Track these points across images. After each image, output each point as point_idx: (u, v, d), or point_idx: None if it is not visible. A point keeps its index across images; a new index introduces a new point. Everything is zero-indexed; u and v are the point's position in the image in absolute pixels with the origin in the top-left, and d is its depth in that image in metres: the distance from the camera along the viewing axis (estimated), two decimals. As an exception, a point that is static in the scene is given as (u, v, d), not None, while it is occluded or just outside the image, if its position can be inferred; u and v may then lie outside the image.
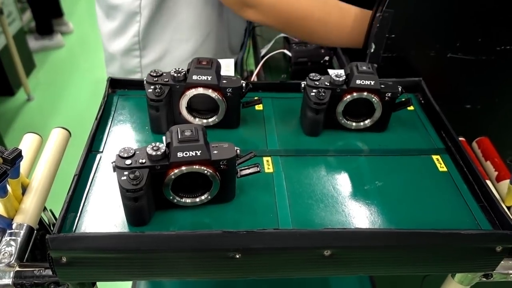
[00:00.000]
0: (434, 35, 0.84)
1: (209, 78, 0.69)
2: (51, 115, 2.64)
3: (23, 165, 0.63)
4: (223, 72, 0.81)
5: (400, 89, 0.74)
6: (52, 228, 0.70)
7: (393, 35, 0.82)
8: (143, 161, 0.53)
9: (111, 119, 0.76)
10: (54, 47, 3.21)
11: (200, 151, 0.55)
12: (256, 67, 1.01)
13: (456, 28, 0.83)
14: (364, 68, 0.72)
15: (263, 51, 1.04)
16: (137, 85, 0.82)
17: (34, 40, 3.13)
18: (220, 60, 0.87)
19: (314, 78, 0.73)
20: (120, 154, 0.54)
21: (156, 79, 0.70)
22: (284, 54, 0.98)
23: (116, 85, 0.83)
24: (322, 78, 0.73)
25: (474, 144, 0.85)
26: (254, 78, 1.01)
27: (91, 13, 3.01)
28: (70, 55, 3.22)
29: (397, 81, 0.88)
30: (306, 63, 0.96)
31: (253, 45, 1.18)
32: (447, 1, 0.80)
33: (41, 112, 2.66)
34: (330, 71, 0.92)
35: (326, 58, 0.95)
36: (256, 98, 0.77)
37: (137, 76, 1.07)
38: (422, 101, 0.86)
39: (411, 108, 0.85)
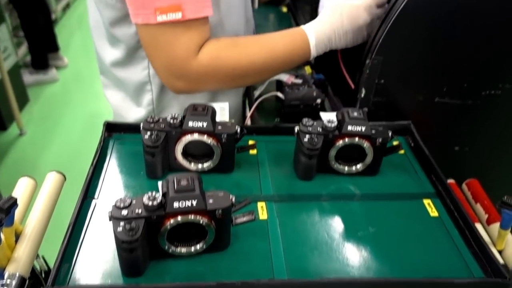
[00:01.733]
0: (422, 81, 0.87)
1: (205, 124, 0.71)
2: (44, 150, 2.63)
3: (17, 211, 0.63)
4: (218, 116, 0.83)
5: (390, 134, 0.76)
6: (43, 276, 0.70)
7: (382, 81, 0.85)
8: (139, 211, 0.54)
9: (106, 164, 0.77)
10: (48, 82, 3.23)
11: (196, 201, 0.56)
12: (250, 109, 1.03)
13: (442, 74, 0.86)
14: (355, 114, 0.74)
15: (256, 93, 1.06)
16: (133, 129, 0.83)
17: (29, 74, 3.16)
18: (214, 104, 0.89)
19: (307, 124, 0.75)
20: (117, 205, 0.54)
21: (152, 125, 0.71)
22: (277, 96, 1.00)
23: (112, 129, 0.84)
24: (315, 123, 0.75)
25: (464, 186, 0.87)
26: (248, 119, 1.03)
27: (86, 47, 3.06)
28: (64, 89, 3.24)
29: (387, 124, 0.90)
30: (299, 106, 0.98)
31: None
32: (433, 48, 0.84)
33: (33, 147, 2.65)
34: (322, 115, 0.94)
35: (318, 101, 0.98)
36: (250, 143, 0.79)
37: None
38: (412, 144, 0.88)
39: (402, 151, 0.87)
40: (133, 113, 0.98)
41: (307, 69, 1.26)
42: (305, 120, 0.76)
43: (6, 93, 2.58)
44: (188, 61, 0.79)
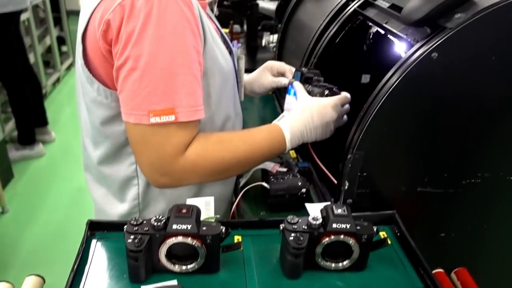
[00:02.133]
0: (403, 172, 0.89)
1: (189, 226, 0.70)
2: (26, 229, 2.56)
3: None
4: (203, 211, 0.83)
5: (375, 229, 0.76)
6: None
7: (364, 173, 0.87)
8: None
9: (88, 267, 0.75)
10: (34, 157, 3.22)
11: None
12: (236, 198, 1.04)
13: (422, 165, 0.88)
14: (339, 211, 0.75)
15: (242, 181, 1.07)
16: (117, 227, 0.82)
17: (15, 150, 3.15)
18: (199, 199, 0.89)
19: (292, 222, 0.75)
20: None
21: (136, 228, 0.71)
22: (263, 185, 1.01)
23: (95, 228, 0.82)
24: (300, 221, 0.75)
25: (453, 275, 0.86)
26: (234, 209, 1.02)
27: (75, 122, 3.08)
28: (50, 164, 3.22)
29: (372, 214, 0.91)
30: (284, 196, 0.99)
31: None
32: (413, 141, 0.87)
33: (15, 226, 2.58)
34: (308, 206, 0.95)
35: (303, 190, 0.99)
36: (236, 241, 0.78)
37: None
38: (398, 234, 0.88)
39: (388, 242, 0.87)
40: (116, 208, 0.96)
41: (292, 153, 1.29)
42: (289, 217, 0.76)
43: (-10, 171, 2.55)
44: (175, 159, 0.80)
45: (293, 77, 1.07)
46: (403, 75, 0.78)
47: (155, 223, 0.71)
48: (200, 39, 0.80)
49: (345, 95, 0.98)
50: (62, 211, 2.71)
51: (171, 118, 0.76)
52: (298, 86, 1.01)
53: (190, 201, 0.88)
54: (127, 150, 0.90)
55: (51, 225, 2.58)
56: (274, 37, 1.78)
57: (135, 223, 0.71)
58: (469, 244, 0.99)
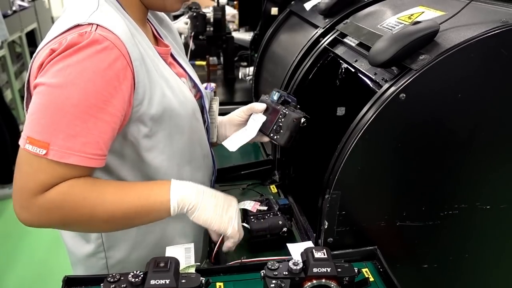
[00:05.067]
0: (382, 208, 0.89)
1: (167, 281, 0.69)
2: (5, 273, 2.48)
3: None
4: (183, 260, 0.82)
5: (356, 270, 0.76)
6: None
7: (343, 212, 0.87)
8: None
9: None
10: (14, 195, 3.15)
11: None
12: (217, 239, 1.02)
13: (400, 200, 0.89)
14: (320, 254, 0.75)
15: (223, 221, 1.06)
16: (94, 282, 0.80)
17: (-6, 189, 3.08)
18: (179, 246, 0.88)
19: (272, 268, 0.74)
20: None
21: (113, 285, 0.69)
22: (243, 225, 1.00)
23: (72, 284, 0.80)
24: (280, 266, 0.75)
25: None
26: (215, 251, 1.01)
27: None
28: (30, 201, 3.15)
29: (353, 251, 0.91)
30: (266, 236, 0.98)
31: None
32: (388, 178, 0.87)
33: (-6, 269, 2.50)
34: (290, 247, 0.94)
35: (285, 229, 0.98)
36: (218, 285, 0.77)
37: None
38: (381, 269, 0.88)
39: (372, 279, 0.87)
40: (83, 248, 0.95)
41: (273, 188, 1.29)
42: (270, 263, 0.75)
43: (-32, 213, 2.48)
44: (35, 196, 0.76)
45: (270, 96, 1.06)
46: (374, 115, 0.79)
47: (133, 279, 0.69)
48: (127, 91, 0.78)
49: (239, 235, 0.90)
50: (42, 252, 2.64)
51: (42, 151, 0.73)
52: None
53: (169, 250, 0.87)
54: None
55: (32, 267, 2.50)
56: (250, 70, 1.80)
57: (112, 280, 0.70)
58: (452, 273, 1.00)
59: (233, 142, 1.08)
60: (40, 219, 0.79)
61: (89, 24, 0.77)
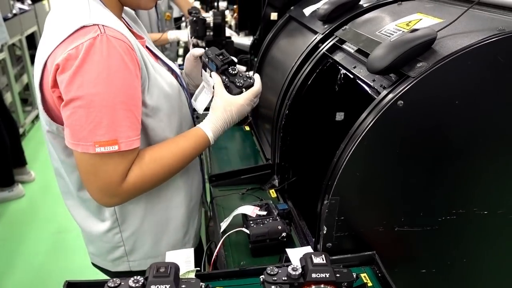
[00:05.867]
0: (380, 214, 0.90)
1: (167, 287, 0.69)
2: (5, 275, 2.48)
3: None
4: (182, 266, 0.82)
5: (355, 275, 0.76)
6: None
7: (342, 217, 0.88)
8: None
9: (65, 333, 0.73)
10: (14, 198, 3.15)
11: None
12: (217, 244, 1.03)
13: (398, 205, 0.90)
14: (318, 260, 0.75)
15: (223, 226, 1.07)
16: (96, 286, 0.80)
17: (-7, 193, 3.09)
18: (179, 252, 0.88)
19: (272, 273, 0.75)
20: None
21: (113, 291, 0.70)
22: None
23: (73, 288, 0.81)
24: (280, 271, 0.75)
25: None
26: (214, 256, 1.02)
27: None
28: (30, 205, 3.16)
29: (352, 257, 0.92)
30: (265, 241, 0.99)
31: (212, 215, 1.22)
32: (387, 183, 0.88)
33: (-7, 272, 2.50)
34: (289, 252, 0.95)
35: (284, 234, 0.99)
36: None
37: (120, 251, 1.10)
38: (379, 274, 0.89)
39: (370, 284, 0.87)
40: (98, 227, 1.07)
41: (272, 193, 1.29)
42: (269, 268, 0.76)
43: (-32, 217, 2.48)
44: (120, 184, 0.91)
45: (207, 61, 1.08)
46: (372, 122, 0.80)
47: (134, 285, 0.70)
48: (140, 79, 0.90)
49: (258, 88, 1.06)
50: (42, 255, 2.64)
51: (115, 148, 0.86)
52: (218, 83, 1.05)
53: (169, 255, 0.87)
54: None
55: (31, 271, 2.51)
56: (250, 74, 1.81)
57: (112, 285, 0.70)
58: (450, 278, 1.00)
59: (200, 105, 1.15)
60: (130, 197, 0.96)
61: (95, 25, 0.85)
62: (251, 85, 1.05)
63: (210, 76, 1.07)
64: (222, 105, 1.02)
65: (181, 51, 3.66)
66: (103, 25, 0.86)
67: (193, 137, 1.01)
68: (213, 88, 1.06)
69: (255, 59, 1.86)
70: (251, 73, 1.09)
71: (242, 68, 1.11)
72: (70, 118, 0.86)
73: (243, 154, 1.57)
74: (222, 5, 2.97)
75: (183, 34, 2.44)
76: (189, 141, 1.01)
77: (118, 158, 0.88)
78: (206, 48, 1.11)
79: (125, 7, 1.05)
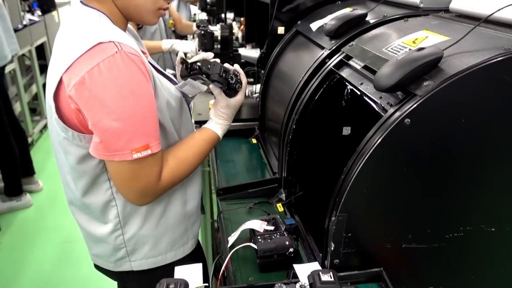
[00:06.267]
0: (387, 230, 0.90)
1: (177, 304, 0.71)
2: (12, 283, 2.49)
3: None
4: (191, 282, 0.83)
5: (363, 293, 0.77)
6: None
7: (349, 234, 0.88)
8: None
9: None
10: (21, 208, 3.18)
11: None
12: (224, 259, 1.04)
13: (405, 222, 0.90)
14: (326, 277, 0.76)
15: (230, 240, 1.07)
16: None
17: (1, 202, 3.11)
18: (188, 267, 0.89)
19: (280, 290, 0.75)
20: None
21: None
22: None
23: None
24: (288, 288, 0.76)
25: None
26: (222, 270, 1.02)
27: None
28: (37, 214, 3.18)
29: (359, 273, 0.92)
30: (273, 256, 0.99)
31: (220, 229, 1.22)
32: (394, 200, 0.88)
33: (1, 282, 2.51)
34: (296, 268, 0.95)
35: (291, 250, 0.99)
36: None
37: (122, 252, 1.14)
38: (387, 291, 0.89)
39: (376, 301, 0.87)
40: (101, 230, 1.12)
41: (279, 207, 1.30)
42: (277, 285, 0.77)
43: (-24, 226, 2.50)
44: (157, 184, 1.01)
45: (201, 75, 1.12)
46: (380, 139, 0.81)
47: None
48: (153, 89, 0.98)
49: (245, 80, 1.18)
50: (49, 264, 2.66)
51: (148, 152, 0.95)
52: (218, 93, 1.16)
53: (178, 270, 0.88)
54: (102, 178, 1.05)
55: (38, 280, 2.52)
56: (257, 87, 1.83)
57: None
58: (458, 295, 1.00)
59: (188, 92, 1.19)
60: (161, 194, 1.06)
61: (111, 42, 0.90)
62: (241, 81, 1.17)
63: (203, 83, 1.16)
64: (232, 113, 1.18)
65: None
66: (119, 42, 0.91)
67: (207, 139, 1.14)
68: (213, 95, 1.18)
69: (262, 71, 1.88)
70: (226, 64, 1.17)
71: (218, 62, 1.17)
72: (105, 133, 0.91)
73: (250, 167, 1.58)
74: (229, 16, 3.00)
75: (182, 45, 2.39)
76: (205, 142, 1.13)
77: (152, 161, 0.97)
78: (192, 60, 1.16)
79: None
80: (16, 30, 3.66)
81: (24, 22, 4.08)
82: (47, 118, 1.06)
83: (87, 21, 0.96)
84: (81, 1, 1.01)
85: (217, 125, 1.16)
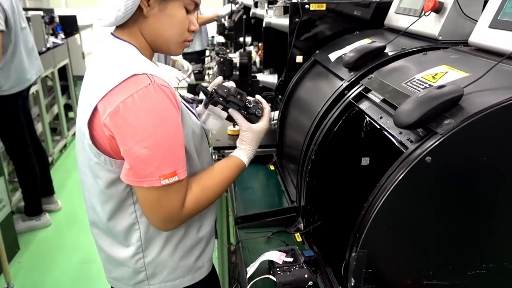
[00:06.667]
0: (408, 267, 0.90)
1: None
2: (31, 304, 2.52)
3: None
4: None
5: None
6: None
7: (370, 270, 0.88)
8: None
9: None
10: (40, 228, 3.23)
11: None
12: (242, 289, 1.04)
13: (427, 258, 0.89)
14: (347, 315, 0.76)
15: (249, 271, 1.07)
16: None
17: (21, 221, 3.16)
18: None
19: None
20: None
21: None
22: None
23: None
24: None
25: None
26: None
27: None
28: (56, 234, 3.22)
29: (380, 309, 0.91)
30: (292, 289, 1.00)
31: (238, 258, 1.23)
32: (415, 237, 0.88)
33: (19, 302, 2.54)
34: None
35: (311, 283, 0.99)
36: None
37: (142, 275, 1.17)
38: (408, 328, 0.88)
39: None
40: (123, 253, 1.15)
41: (297, 237, 1.30)
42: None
43: (-3, 246, 2.54)
44: (181, 210, 1.04)
45: (221, 101, 1.16)
46: (401, 176, 0.81)
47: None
48: (180, 116, 1.02)
49: (268, 107, 1.23)
50: (67, 285, 2.68)
51: (175, 178, 0.99)
52: (241, 119, 1.18)
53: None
54: (128, 202, 1.09)
55: (56, 301, 2.54)
56: (275, 114, 1.85)
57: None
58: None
59: (212, 126, 1.23)
60: (186, 221, 1.09)
61: (144, 74, 0.96)
62: (262, 108, 1.21)
63: (225, 110, 1.19)
64: (254, 138, 1.19)
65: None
66: (151, 75, 0.97)
67: (234, 167, 1.16)
68: (236, 122, 1.20)
69: (280, 97, 1.90)
70: (250, 98, 1.21)
71: (233, 84, 1.22)
72: (136, 160, 0.96)
73: (268, 194, 1.59)
74: (247, 40, 3.05)
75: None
76: (230, 170, 1.16)
77: (178, 187, 1.01)
78: (210, 86, 1.21)
79: None
80: (40, 53, 3.79)
81: (48, 45, 4.22)
82: (76, 143, 1.11)
83: (120, 53, 1.02)
84: (112, 33, 1.06)
85: (241, 151, 1.18)
